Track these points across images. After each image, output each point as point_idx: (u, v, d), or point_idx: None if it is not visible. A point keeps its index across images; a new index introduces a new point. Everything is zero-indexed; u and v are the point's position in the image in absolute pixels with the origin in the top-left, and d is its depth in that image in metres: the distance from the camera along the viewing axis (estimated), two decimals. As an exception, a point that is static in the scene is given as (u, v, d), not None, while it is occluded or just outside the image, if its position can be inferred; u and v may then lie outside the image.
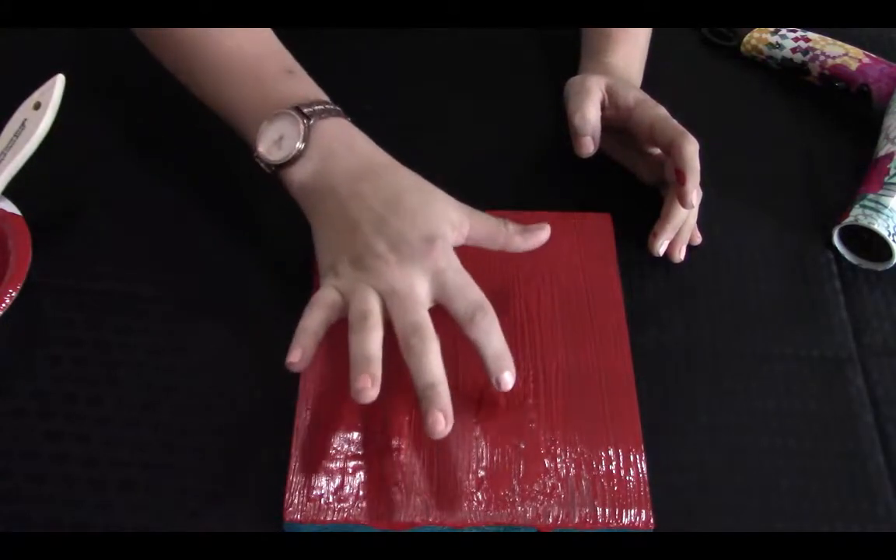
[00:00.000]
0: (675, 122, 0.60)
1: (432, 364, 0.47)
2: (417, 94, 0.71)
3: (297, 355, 0.48)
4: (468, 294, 0.50)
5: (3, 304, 0.52)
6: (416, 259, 0.50)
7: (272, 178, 0.55)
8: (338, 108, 0.55)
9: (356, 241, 0.51)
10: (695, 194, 0.58)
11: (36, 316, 0.56)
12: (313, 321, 0.49)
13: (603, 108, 0.62)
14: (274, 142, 0.54)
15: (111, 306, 0.57)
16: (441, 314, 0.50)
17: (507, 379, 0.49)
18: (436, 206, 0.52)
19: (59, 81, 0.58)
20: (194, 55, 0.59)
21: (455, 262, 0.51)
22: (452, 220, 0.52)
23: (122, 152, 0.65)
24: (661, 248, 0.61)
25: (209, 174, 0.64)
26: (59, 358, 0.55)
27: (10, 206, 0.57)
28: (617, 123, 0.63)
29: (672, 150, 0.59)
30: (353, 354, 0.47)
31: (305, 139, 0.53)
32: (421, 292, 0.49)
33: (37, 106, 0.57)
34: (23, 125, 0.57)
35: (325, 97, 0.56)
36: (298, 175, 0.53)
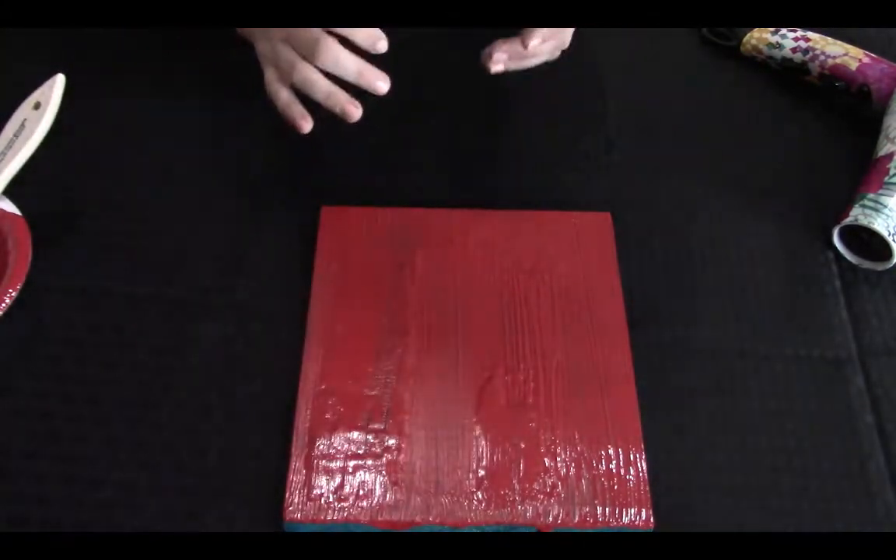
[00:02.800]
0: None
1: (319, 82, 0.57)
2: (417, 94, 0.71)
3: (307, 117, 0.59)
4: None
5: (3, 304, 0.52)
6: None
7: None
8: None
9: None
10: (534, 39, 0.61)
11: (36, 316, 0.56)
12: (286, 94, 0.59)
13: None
14: None
15: (111, 306, 0.57)
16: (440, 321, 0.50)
17: (382, 86, 0.57)
18: None
19: (59, 81, 0.58)
20: None
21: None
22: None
23: (122, 152, 0.65)
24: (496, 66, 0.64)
25: (209, 174, 0.64)
26: (59, 358, 0.55)
27: (10, 206, 0.57)
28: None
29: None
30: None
31: None
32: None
33: (37, 106, 0.57)
34: (23, 125, 0.57)
35: None
36: None
